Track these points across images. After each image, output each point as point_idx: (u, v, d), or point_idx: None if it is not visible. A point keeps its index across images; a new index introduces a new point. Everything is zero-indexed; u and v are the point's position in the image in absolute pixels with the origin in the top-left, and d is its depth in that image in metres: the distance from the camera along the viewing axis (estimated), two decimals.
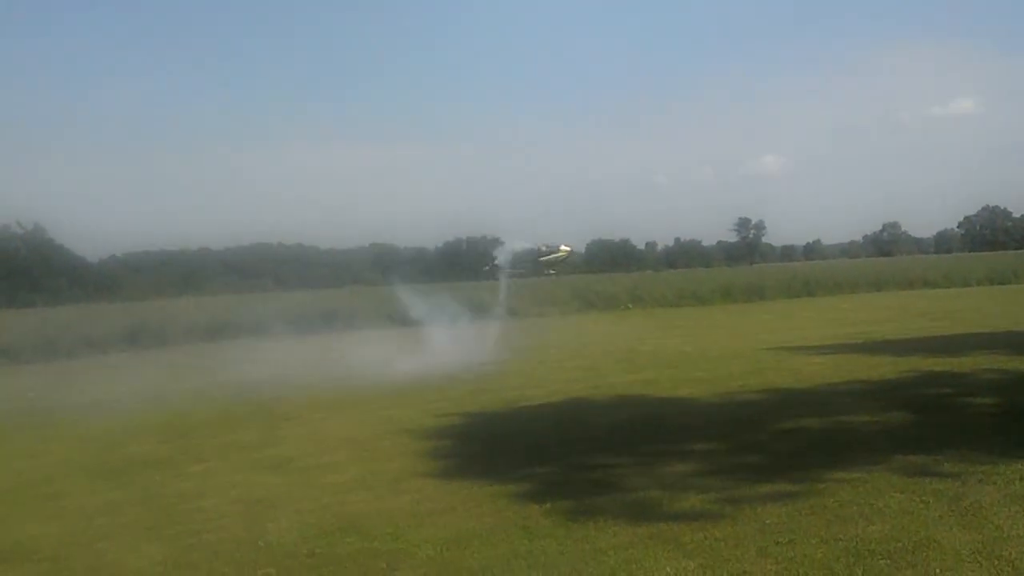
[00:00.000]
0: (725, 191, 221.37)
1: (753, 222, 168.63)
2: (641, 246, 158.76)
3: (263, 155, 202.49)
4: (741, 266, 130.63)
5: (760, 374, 17.09)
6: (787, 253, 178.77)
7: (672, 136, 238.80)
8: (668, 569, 6.85)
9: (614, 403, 15.18)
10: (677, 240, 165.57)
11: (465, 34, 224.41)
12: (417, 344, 25.93)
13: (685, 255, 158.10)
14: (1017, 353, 17.40)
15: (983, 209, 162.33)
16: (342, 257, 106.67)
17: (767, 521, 7.75)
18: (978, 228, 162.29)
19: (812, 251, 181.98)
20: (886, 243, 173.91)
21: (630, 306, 47.78)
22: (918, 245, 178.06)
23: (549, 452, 11.37)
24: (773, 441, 11.00)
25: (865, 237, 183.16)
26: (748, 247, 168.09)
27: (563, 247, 35.00)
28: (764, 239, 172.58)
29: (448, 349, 24.12)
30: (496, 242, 29.47)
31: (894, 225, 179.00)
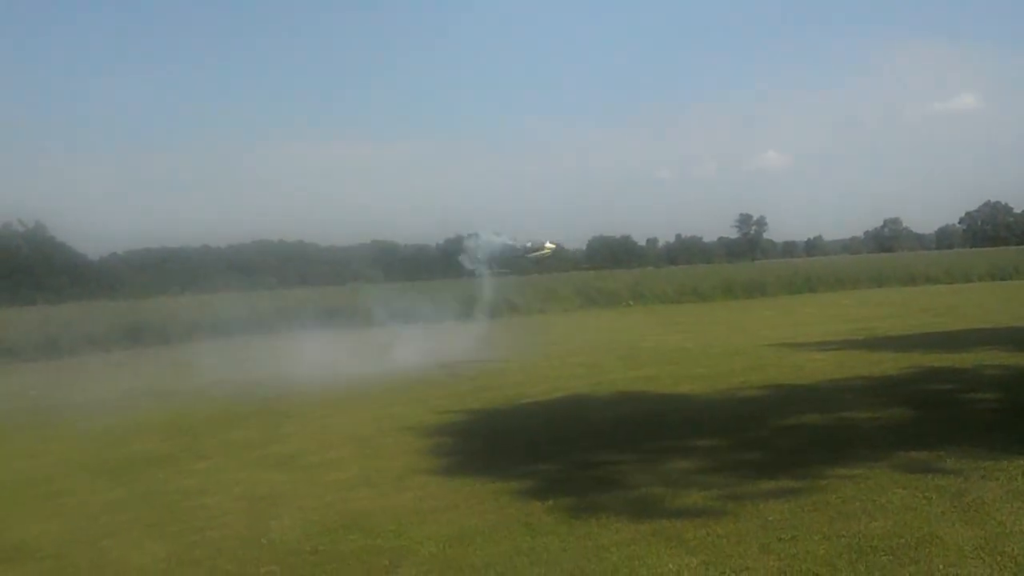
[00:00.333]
0: (727, 187, 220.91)
1: (754, 218, 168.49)
2: (642, 242, 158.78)
3: (264, 152, 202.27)
4: (742, 262, 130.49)
5: (762, 370, 17.09)
6: (788, 249, 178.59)
7: (674, 132, 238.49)
8: (670, 566, 6.86)
9: (616, 400, 15.18)
10: (678, 236, 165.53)
11: (467, 31, 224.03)
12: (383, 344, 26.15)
13: (686, 251, 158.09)
14: (1019, 349, 17.38)
15: (984, 205, 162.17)
16: (343, 254, 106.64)
17: (769, 517, 7.76)
18: (979, 224, 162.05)
19: (813, 247, 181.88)
20: (887, 239, 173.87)
21: (631, 303, 47.79)
22: (919, 241, 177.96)
23: (551, 449, 11.38)
24: (775, 437, 11.01)
25: (866, 233, 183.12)
26: (749, 243, 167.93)
27: (548, 244, 35.05)
28: (765, 235, 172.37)
29: (417, 349, 24.23)
30: (472, 236, 29.36)
31: (895, 221, 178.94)
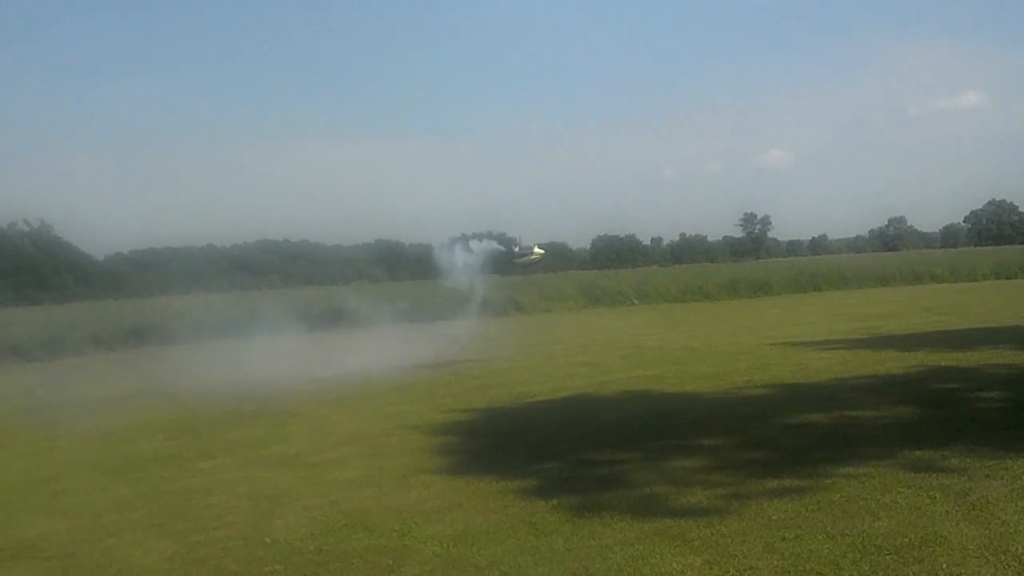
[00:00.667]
0: (731, 186, 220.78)
1: (759, 217, 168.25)
2: (647, 241, 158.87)
3: (268, 152, 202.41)
4: (747, 261, 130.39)
5: (766, 369, 17.08)
6: (793, 248, 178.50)
7: (678, 131, 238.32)
8: (674, 565, 6.86)
9: (620, 399, 15.18)
10: (683, 235, 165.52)
11: (471, 30, 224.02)
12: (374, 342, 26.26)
13: (691, 250, 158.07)
14: None
15: (989, 203, 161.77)
16: (348, 254, 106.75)
17: (773, 517, 7.75)
18: (984, 222, 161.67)
19: (818, 246, 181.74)
20: (892, 238, 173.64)
21: (635, 302, 47.78)
22: (924, 240, 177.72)
23: (555, 448, 11.39)
24: (779, 436, 11.00)
25: (871, 232, 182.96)
26: (754, 242, 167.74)
27: (537, 249, 35.20)
28: (770, 234, 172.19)
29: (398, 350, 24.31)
30: (463, 239, 29.55)
31: (900, 220, 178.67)
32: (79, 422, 16.90)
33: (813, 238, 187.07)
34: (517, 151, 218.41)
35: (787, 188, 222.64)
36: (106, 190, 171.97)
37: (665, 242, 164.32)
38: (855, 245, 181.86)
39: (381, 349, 24.74)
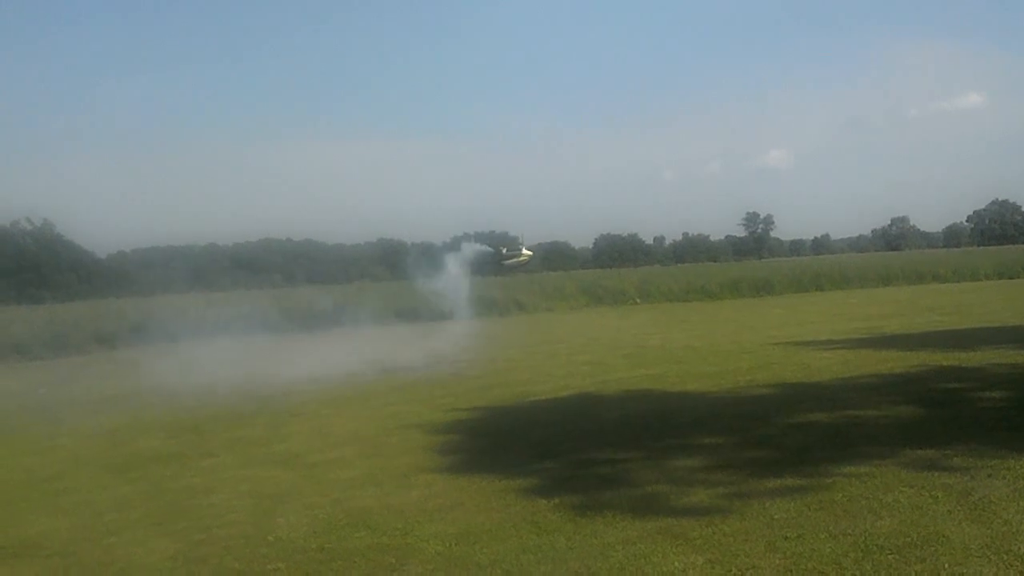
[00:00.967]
0: (733, 185, 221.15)
1: (761, 216, 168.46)
2: (649, 241, 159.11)
3: (271, 151, 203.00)
4: (749, 260, 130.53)
5: (768, 368, 17.07)
6: (796, 247, 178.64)
7: (680, 131, 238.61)
8: (676, 564, 6.86)
9: (622, 398, 15.17)
10: (685, 235, 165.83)
11: (473, 30, 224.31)
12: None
13: (693, 250, 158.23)
14: None
15: (992, 203, 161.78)
16: (350, 252, 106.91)
17: (775, 516, 7.75)
18: (987, 222, 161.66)
19: (820, 246, 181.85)
20: (895, 237, 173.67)
21: (638, 301, 47.79)
22: (927, 239, 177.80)
23: (557, 447, 11.38)
24: (781, 436, 10.98)
25: (874, 231, 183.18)
26: (756, 242, 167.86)
27: (525, 251, 35.21)
28: (772, 234, 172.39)
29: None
30: (457, 243, 29.78)
31: (903, 219, 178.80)
32: (81, 420, 16.92)
33: (816, 238, 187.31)
34: (519, 151, 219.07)
35: (789, 188, 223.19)
36: (108, 189, 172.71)
37: (667, 241, 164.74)
38: (858, 245, 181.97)
39: (342, 351, 24.66)
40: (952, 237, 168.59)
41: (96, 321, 37.97)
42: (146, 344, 32.66)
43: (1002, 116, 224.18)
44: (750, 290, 49.59)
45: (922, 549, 6.68)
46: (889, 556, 6.61)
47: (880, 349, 18.86)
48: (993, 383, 13.71)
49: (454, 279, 29.94)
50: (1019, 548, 6.56)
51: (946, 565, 6.36)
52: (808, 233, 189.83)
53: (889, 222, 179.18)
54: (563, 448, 11.28)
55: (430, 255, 31.25)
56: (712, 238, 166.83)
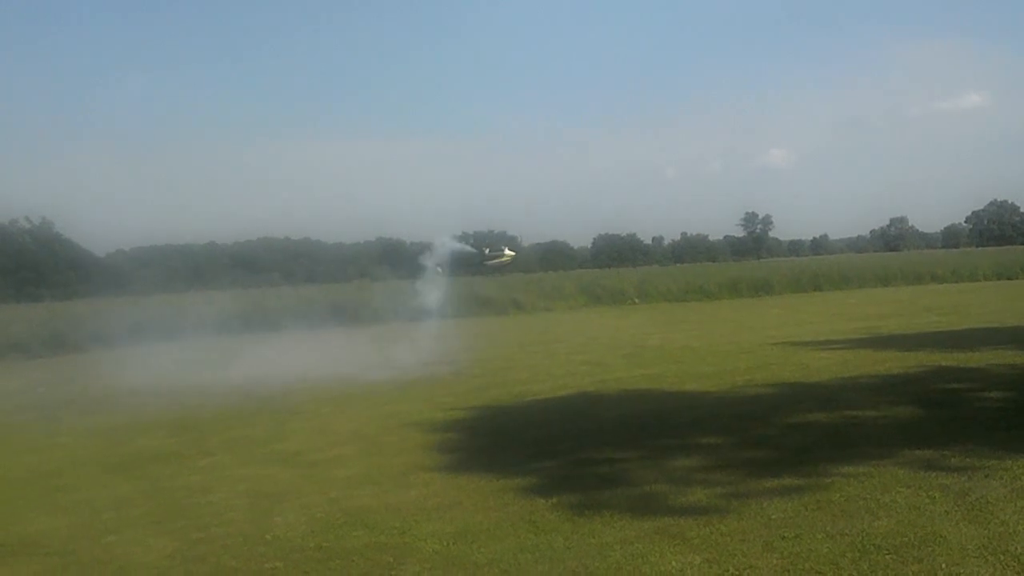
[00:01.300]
0: (732, 185, 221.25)
1: (760, 216, 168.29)
2: (648, 241, 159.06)
3: (270, 150, 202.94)
4: (748, 260, 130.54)
5: (767, 369, 17.08)
6: (794, 248, 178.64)
7: (679, 130, 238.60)
8: (673, 563, 6.87)
9: (620, 397, 15.19)
10: (684, 235, 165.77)
11: (473, 29, 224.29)
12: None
13: (692, 249, 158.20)
14: None
15: (991, 204, 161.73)
16: (349, 251, 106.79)
17: (773, 516, 7.76)
18: (986, 223, 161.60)
19: (819, 246, 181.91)
20: (893, 238, 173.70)
21: (636, 301, 47.79)
22: (925, 240, 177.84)
23: (555, 446, 11.39)
24: (779, 436, 11.00)
25: (872, 232, 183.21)
26: (755, 242, 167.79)
27: (507, 251, 35.22)
28: (771, 233, 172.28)
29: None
30: (428, 244, 29.75)
31: (901, 220, 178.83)
32: (80, 419, 16.93)
33: (814, 238, 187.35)
34: (518, 150, 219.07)
35: (788, 188, 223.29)
36: (108, 187, 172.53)
37: (666, 241, 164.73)
38: (856, 245, 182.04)
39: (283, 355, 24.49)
40: (951, 238, 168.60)
41: (95, 319, 37.94)
42: (143, 342, 32.67)
43: (1001, 116, 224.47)
44: (749, 290, 49.61)
45: (919, 549, 6.69)
46: (886, 556, 6.62)
47: (878, 349, 18.88)
48: (991, 384, 13.73)
49: (429, 278, 29.81)
50: (1016, 549, 6.57)
51: (943, 565, 6.37)
52: (807, 233, 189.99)
53: (888, 222, 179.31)
54: (561, 447, 11.29)
55: (411, 255, 31.29)
56: (711, 238, 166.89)
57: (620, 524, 7.90)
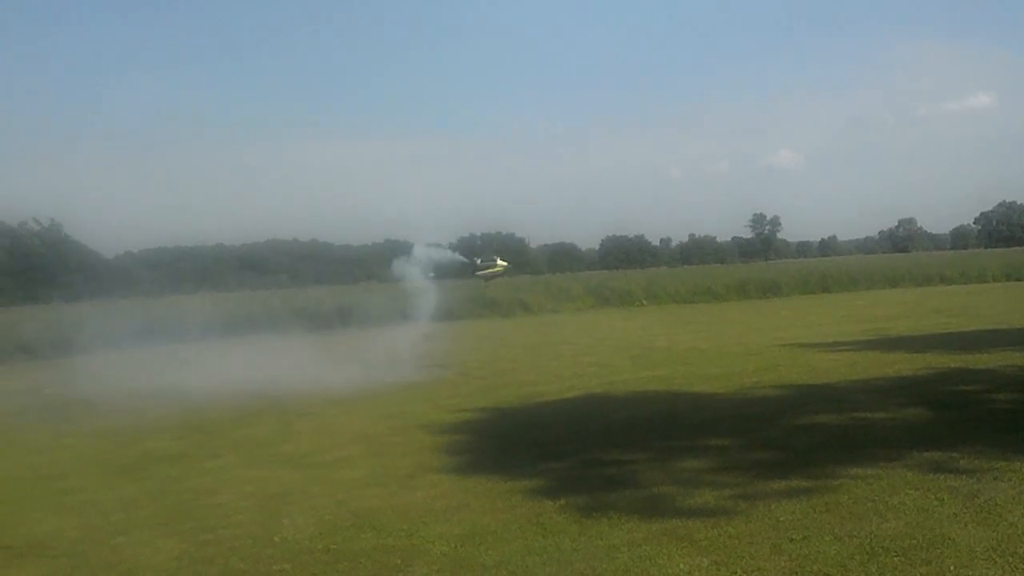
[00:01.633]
0: (740, 186, 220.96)
1: (768, 218, 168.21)
2: (656, 242, 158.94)
3: (278, 152, 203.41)
4: (756, 262, 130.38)
5: (775, 370, 17.05)
6: (803, 249, 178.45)
7: (687, 131, 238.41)
8: (681, 565, 6.85)
9: (628, 399, 15.17)
10: (692, 236, 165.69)
11: (473, 29, 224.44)
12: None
13: (700, 251, 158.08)
14: None
15: (1000, 205, 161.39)
16: (356, 253, 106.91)
17: (781, 518, 7.74)
18: (995, 224, 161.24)
19: (828, 247, 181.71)
20: (902, 239, 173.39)
21: (644, 302, 47.75)
22: (934, 241, 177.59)
23: (563, 448, 11.38)
24: (787, 437, 10.98)
25: (881, 233, 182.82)
26: (763, 243, 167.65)
27: (500, 262, 35.16)
28: (779, 235, 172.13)
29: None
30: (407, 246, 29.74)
31: (910, 221, 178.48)
32: (87, 420, 16.96)
33: (823, 239, 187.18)
34: (525, 152, 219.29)
35: (796, 189, 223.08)
36: (116, 189, 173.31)
37: (674, 243, 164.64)
38: (865, 246, 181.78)
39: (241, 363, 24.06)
40: (959, 239, 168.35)
41: (102, 321, 38.02)
42: (150, 344, 32.72)
43: (1010, 116, 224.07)
44: (757, 292, 49.57)
45: (928, 551, 6.67)
46: (895, 558, 6.59)
47: (887, 351, 18.83)
48: (1000, 385, 13.68)
49: (412, 283, 29.77)
50: None
51: (951, 567, 6.34)
52: (815, 235, 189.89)
53: (896, 224, 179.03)
54: (569, 449, 11.28)
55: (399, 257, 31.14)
56: (719, 239, 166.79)
57: (628, 526, 7.88)
